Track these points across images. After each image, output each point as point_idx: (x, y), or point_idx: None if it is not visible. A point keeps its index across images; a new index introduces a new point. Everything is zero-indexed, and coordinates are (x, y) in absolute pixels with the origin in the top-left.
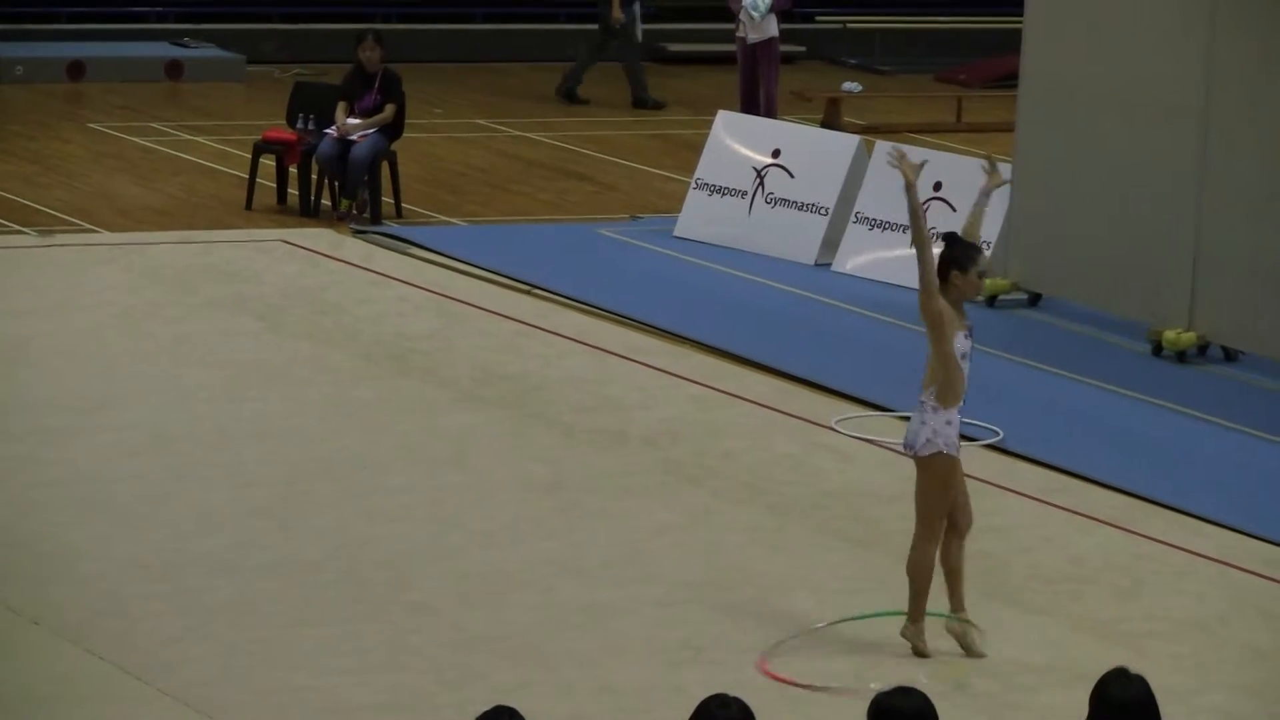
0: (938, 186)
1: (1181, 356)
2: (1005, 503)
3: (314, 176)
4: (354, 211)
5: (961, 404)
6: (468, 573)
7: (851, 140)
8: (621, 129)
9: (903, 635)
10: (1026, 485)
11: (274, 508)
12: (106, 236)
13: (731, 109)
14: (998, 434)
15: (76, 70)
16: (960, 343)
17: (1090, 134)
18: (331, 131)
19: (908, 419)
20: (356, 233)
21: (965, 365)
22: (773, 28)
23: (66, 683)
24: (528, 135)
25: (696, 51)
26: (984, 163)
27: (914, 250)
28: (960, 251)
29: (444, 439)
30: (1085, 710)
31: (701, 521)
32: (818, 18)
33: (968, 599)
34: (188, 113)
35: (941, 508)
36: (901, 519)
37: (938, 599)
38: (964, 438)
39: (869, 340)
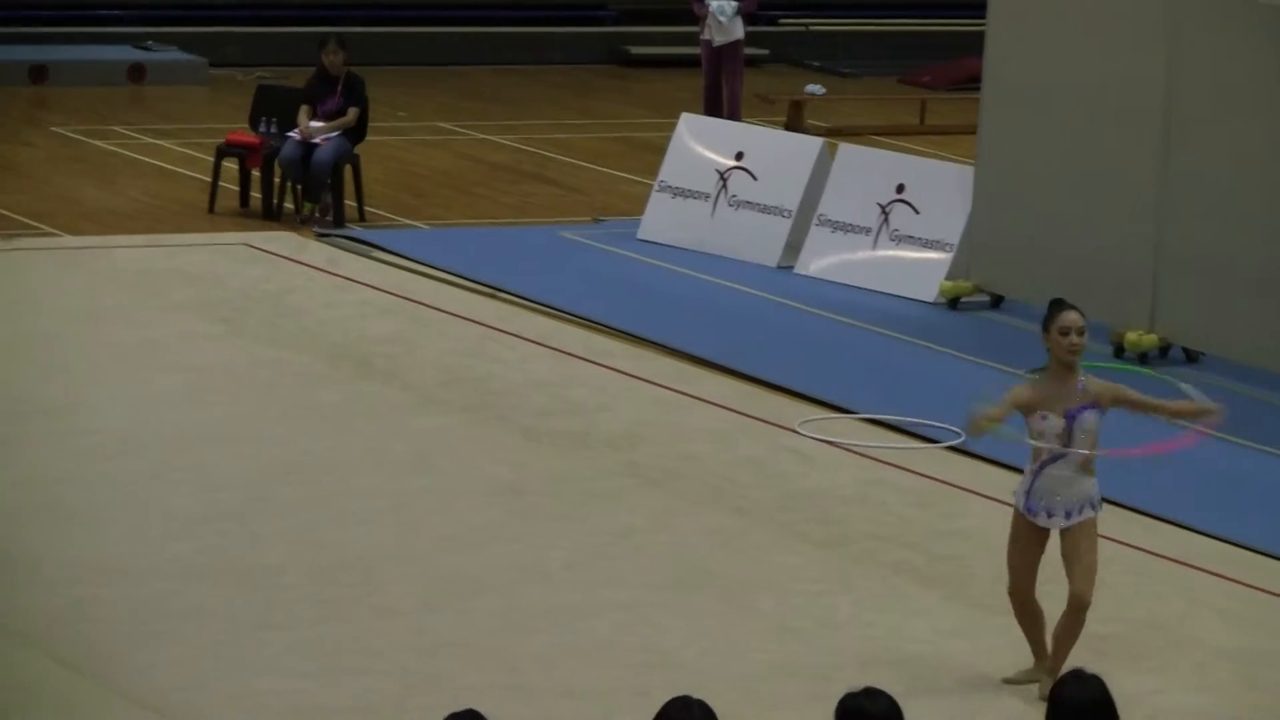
0: (900, 189)
1: (1143, 358)
2: (969, 505)
3: (277, 180)
4: (317, 215)
5: (1035, 465)
6: (432, 576)
7: (815, 143)
8: (584, 132)
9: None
10: (989, 487)
11: (238, 512)
12: (69, 240)
13: (695, 111)
14: (960, 436)
15: (39, 74)
16: (1038, 423)
17: (1052, 136)
18: (294, 135)
19: (870, 421)
20: (320, 236)
21: (1043, 442)
22: (739, 30)
23: (30, 688)
24: (491, 138)
25: (660, 54)
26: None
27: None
28: (1048, 310)
29: (408, 442)
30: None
31: (665, 524)
32: (781, 20)
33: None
34: (150, 116)
35: (1010, 552)
36: (865, 521)
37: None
38: (927, 440)
39: (832, 343)
